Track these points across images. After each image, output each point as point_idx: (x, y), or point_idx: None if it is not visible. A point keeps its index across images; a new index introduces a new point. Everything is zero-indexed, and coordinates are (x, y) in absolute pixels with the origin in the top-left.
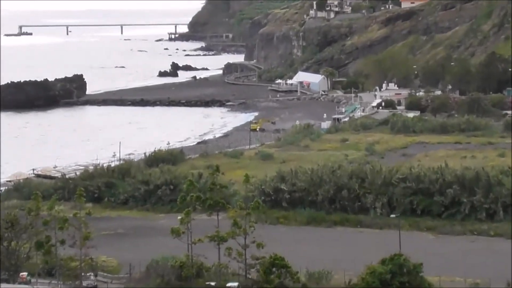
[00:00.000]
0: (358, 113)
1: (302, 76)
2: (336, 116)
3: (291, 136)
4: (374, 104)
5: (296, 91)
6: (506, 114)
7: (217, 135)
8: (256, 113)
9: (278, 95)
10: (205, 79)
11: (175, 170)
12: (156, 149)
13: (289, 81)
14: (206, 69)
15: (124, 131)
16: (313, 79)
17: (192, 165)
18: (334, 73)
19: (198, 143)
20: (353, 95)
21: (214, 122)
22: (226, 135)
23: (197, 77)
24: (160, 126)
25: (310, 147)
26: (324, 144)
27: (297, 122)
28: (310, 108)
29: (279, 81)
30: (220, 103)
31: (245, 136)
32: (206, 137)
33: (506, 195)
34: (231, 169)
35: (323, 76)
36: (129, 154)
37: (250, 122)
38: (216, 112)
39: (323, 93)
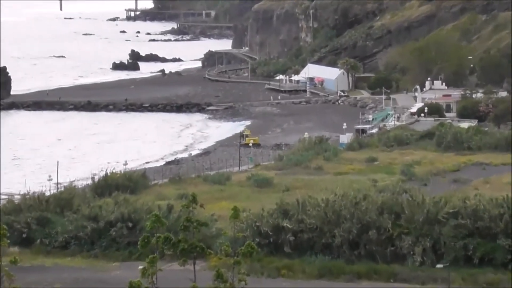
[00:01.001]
0: (391, 122)
1: (313, 71)
2: (360, 126)
3: (297, 154)
4: (414, 109)
5: (305, 91)
6: None
7: (194, 152)
8: (247, 122)
9: (279, 97)
10: (178, 74)
11: (135, 201)
12: (109, 172)
13: (294, 77)
14: (179, 60)
15: (64, 146)
16: (329, 74)
17: (159, 193)
18: (357, 66)
19: (168, 163)
20: (384, 97)
21: (190, 134)
22: (206, 153)
23: (167, 72)
24: (114, 139)
25: (324, 169)
26: (343, 165)
27: (306, 135)
28: (324, 115)
29: (280, 77)
30: (199, 108)
31: (233, 153)
32: (179, 155)
33: None
34: (213, 200)
35: (342, 70)
36: (72, 180)
37: (241, 134)
38: (193, 121)
39: (342, 94)
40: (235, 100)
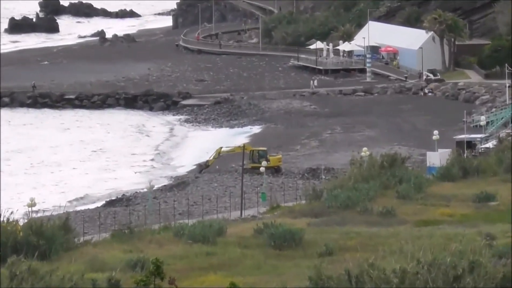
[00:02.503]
0: None
1: (377, 35)
2: (465, 136)
3: (348, 187)
4: None
5: (363, 71)
6: None
7: (159, 184)
8: (257, 128)
9: (315, 82)
10: (129, 40)
11: (49, 273)
12: (6, 219)
13: (343, 47)
14: (132, 15)
15: None
16: (406, 41)
17: (93, 259)
18: (459, 26)
19: (110, 203)
20: (508, 82)
21: (152, 150)
22: (181, 184)
23: (109, 36)
24: (12, 160)
25: (398, 215)
26: (433, 208)
27: (365, 152)
28: (399, 115)
29: (318, 45)
30: (168, 102)
31: (229, 186)
32: (131, 189)
33: None
34: (194, 272)
35: (430, 34)
36: None
37: (242, 151)
38: (157, 125)
39: (430, 76)
40: (234, 88)
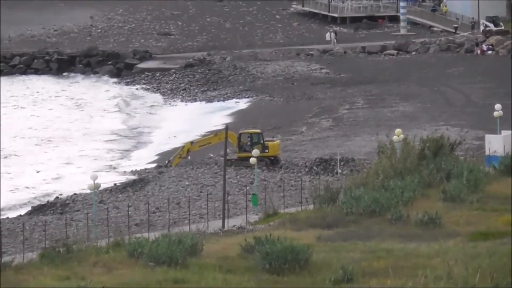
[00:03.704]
0: None
1: None
2: None
3: (374, 185)
4: None
5: (396, 19)
6: None
7: (106, 181)
8: (245, 102)
9: (329, 35)
10: None
11: None
12: None
13: None
14: None
15: None
16: None
17: (18, 285)
18: None
19: (38, 208)
20: None
21: (98, 135)
22: (138, 182)
23: None
24: None
25: (445, 223)
26: (493, 214)
27: (399, 135)
28: (445, 81)
29: None
30: (118, 65)
31: (207, 183)
32: (66, 187)
33: None
34: None
35: None
36: None
37: (238, 136)
38: (103, 98)
39: (489, 27)
40: (213, 45)
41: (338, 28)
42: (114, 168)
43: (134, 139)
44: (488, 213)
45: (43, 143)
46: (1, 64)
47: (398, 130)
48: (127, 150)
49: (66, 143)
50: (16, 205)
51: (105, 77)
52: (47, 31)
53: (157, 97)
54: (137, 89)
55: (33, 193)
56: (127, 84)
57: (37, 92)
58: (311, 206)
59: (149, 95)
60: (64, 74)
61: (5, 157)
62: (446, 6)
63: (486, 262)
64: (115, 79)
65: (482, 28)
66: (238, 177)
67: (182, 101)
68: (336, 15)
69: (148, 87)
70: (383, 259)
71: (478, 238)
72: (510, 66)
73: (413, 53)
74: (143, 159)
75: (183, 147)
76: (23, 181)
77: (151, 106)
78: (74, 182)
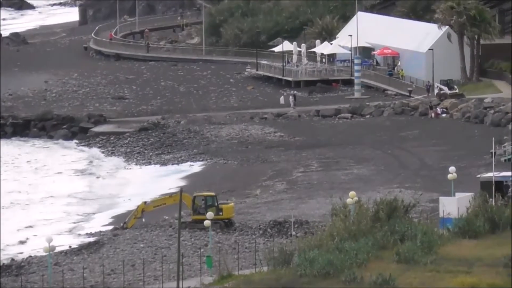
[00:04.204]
0: None
1: (369, 31)
2: (494, 174)
3: (329, 247)
4: None
5: (351, 82)
6: None
7: (61, 246)
8: (199, 165)
9: (282, 98)
10: (20, 41)
11: None
12: None
13: (321, 49)
14: (20, 4)
15: None
16: (410, 40)
17: None
18: (485, 18)
19: None
20: None
21: (50, 196)
22: (93, 245)
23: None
24: None
25: (399, 285)
26: (449, 275)
27: (353, 198)
28: (400, 144)
29: (284, 47)
30: (73, 129)
31: (161, 246)
32: (17, 249)
33: None
34: None
35: (444, 28)
36: None
37: (193, 199)
38: (58, 161)
39: (444, 90)
40: (167, 109)
41: (292, 91)
42: (70, 231)
43: (89, 202)
44: (442, 275)
45: (4, 208)
46: None
47: (352, 193)
48: (81, 212)
49: (27, 206)
50: None
51: (60, 141)
52: (2, 96)
53: (114, 160)
54: (94, 152)
55: None
56: (80, 146)
57: None
58: (265, 268)
59: (106, 158)
60: (19, 137)
61: None
62: (402, 70)
63: None
64: (70, 142)
65: (436, 91)
66: (192, 239)
67: (136, 164)
68: (290, 78)
69: (102, 150)
70: None
71: None
72: (463, 129)
73: (367, 116)
74: (96, 221)
75: (138, 207)
76: None
77: (110, 169)
78: (28, 245)
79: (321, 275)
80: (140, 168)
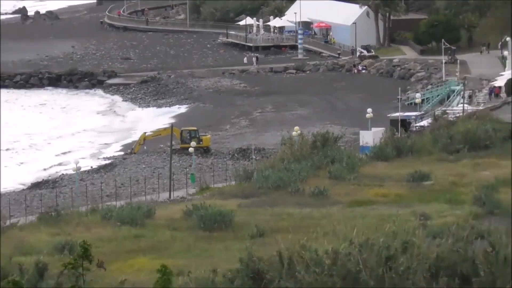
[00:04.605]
0: (458, 107)
1: (309, 9)
2: (399, 114)
3: (279, 167)
4: (499, 83)
5: (295, 47)
6: None
7: (85, 165)
8: (184, 107)
9: (245, 59)
10: (52, 17)
11: None
12: None
13: (273, 22)
14: None
15: None
16: (339, 16)
17: (20, 242)
18: (394, 0)
19: (36, 185)
20: (445, 59)
21: (77, 131)
22: (108, 166)
23: (30, 13)
24: None
25: (331, 196)
26: (366, 188)
27: (297, 131)
28: (332, 93)
29: (247, 21)
30: (93, 82)
31: (158, 167)
32: (57, 170)
33: None
34: (122, 255)
35: (364, 8)
36: None
37: (170, 133)
38: (82, 104)
39: (365, 53)
40: (161, 66)
41: (251, 53)
42: (93, 155)
43: (102, 133)
44: (362, 188)
45: (42, 140)
46: (7, 80)
47: (296, 128)
48: (97, 141)
49: (62, 138)
50: (21, 182)
51: (80, 90)
52: (40, 57)
53: (124, 104)
54: (108, 98)
55: (33, 172)
56: (97, 94)
57: (34, 99)
58: (233, 183)
59: (115, 104)
60: (54, 88)
61: (10, 150)
62: (333, 38)
63: (361, 222)
64: (88, 91)
65: (358, 53)
66: (180, 161)
67: (139, 107)
68: (251, 44)
69: (114, 96)
70: (286, 220)
71: (354, 205)
72: (378, 81)
73: (308, 72)
74: (109, 149)
75: (140, 137)
76: (28, 166)
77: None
78: (61, 163)
79: (273, 188)
80: (142, 109)
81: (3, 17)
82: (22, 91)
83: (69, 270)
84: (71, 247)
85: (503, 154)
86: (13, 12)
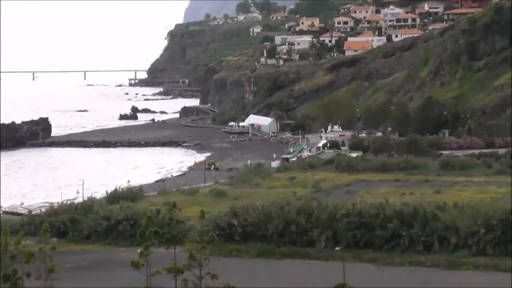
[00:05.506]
0: (305, 153)
1: (253, 119)
2: (285, 156)
3: (243, 174)
4: (320, 144)
5: (248, 132)
6: (442, 154)
7: (174, 174)
8: (209, 153)
9: (231, 136)
10: (163, 121)
11: (135, 207)
12: (117, 187)
13: (241, 124)
14: (164, 112)
15: (87, 170)
16: (264, 121)
17: (150, 202)
18: (283, 116)
19: (156, 181)
20: (300, 136)
21: (172, 161)
22: (182, 174)
23: (156, 120)
24: (121, 165)
25: (261, 185)
26: (273, 182)
27: (249, 162)
28: (261, 148)
29: (232, 123)
30: (177, 144)
31: (200, 174)
32: (164, 175)
33: (441, 228)
34: (187, 206)
35: (272, 118)
36: (92, 192)
37: (205, 161)
38: (173, 152)
39: (272, 134)
40: (201, 139)
41: (233, 134)
42: (174, 169)
43: (180, 163)
44: (273, 181)
45: (156, 158)
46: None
47: (249, 161)
48: (179, 165)
49: (158, 165)
50: (141, 180)
51: (173, 147)
52: (158, 136)
53: (187, 152)
54: (183, 150)
55: (155, 174)
56: (179, 149)
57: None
58: (227, 180)
59: (186, 152)
60: (163, 147)
61: (138, 168)
62: (262, 129)
63: (272, 194)
64: (176, 148)
65: (271, 134)
66: (208, 173)
67: (196, 153)
68: (233, 131)
69: (185, 149)
70: (246, 193)
71: (270, 188)
72: (278, 145)
73: (252, 141)
74: (183, 167)
75: (210, 163)
76: (148, 177)
77: (185, 154)
78: (166, 172)
79: (241, 182)
80: (196, 154)
81: (146, 122)
82: (152, 148)
83: (168, 211)
84: (169, 203)
85: (322, 170)
86: (150, 120)
